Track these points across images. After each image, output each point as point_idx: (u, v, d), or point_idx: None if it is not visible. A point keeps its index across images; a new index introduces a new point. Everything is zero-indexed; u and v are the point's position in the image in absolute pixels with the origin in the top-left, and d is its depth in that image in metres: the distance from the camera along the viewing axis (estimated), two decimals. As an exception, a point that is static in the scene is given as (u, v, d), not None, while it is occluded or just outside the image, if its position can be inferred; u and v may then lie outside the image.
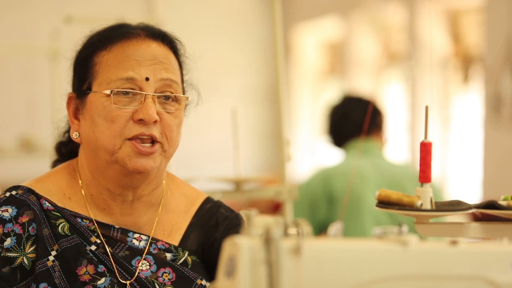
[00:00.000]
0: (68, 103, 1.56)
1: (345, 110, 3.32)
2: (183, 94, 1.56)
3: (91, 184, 1.54)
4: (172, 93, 1.51)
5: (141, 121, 1.46)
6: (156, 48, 1.53)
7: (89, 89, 1.52)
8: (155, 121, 1.47)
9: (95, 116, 1.49)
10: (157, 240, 1.56)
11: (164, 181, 1.61)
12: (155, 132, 1.47)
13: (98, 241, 1.52)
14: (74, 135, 1.54)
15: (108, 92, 1.48)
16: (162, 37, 1.56)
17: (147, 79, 1.49)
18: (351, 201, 3.05)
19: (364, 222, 3.04)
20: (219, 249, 1.45)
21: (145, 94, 1.48)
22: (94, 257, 1.50)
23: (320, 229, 3.10)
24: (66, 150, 1.64)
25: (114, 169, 1.49)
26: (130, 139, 1.46)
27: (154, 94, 1.48)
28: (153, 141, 1.48)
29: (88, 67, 1.53)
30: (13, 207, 1.49)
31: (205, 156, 7.62)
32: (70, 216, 1.52)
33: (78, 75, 1.55)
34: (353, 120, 3.26)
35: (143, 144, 1.47)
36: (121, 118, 1.47)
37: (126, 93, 1.48)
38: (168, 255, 1.55)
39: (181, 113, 1.53)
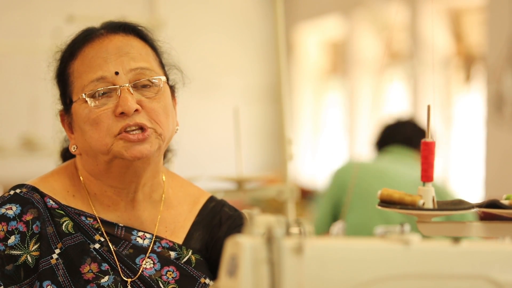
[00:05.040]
0: (62, 121, 1.59)
1: (396, 126, 3.55)
2: (166, 77, 1.56)
3: (93, 185, 1.55)
4: (146, 78, 1.51)
5: (123, 115, 1.47)
6: (119, 41, 1.54)
7: (71, 101, 1.53)
8: (137, 110, 1.47)
9: (81, 124, 1.50)
10: (161, 239, 1.56)
11: (164, 177, 1.61)
12: (141, 120, 1.47)
13: (102, 239, 1.52)
14: (73, 149, 1.55)
15: (83, 96, 1.49)
16: (124, 28, 1.56)
17: (116, 73, 1.49)
18: (362, 194, 3.15)
19: (370, 217, 3.11)
20: (223, 248, 1.45)
21: (119, 87, 1.48)
22: (97, 255, 1.50)
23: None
24: (69, 155, 1.65)
25: (116, 165, 1.49)
26: (118, 134, 1.46)
27: (126, 84, 1.49)
28: (142, 128, 1.47)
29: (65, 81, 1.55)
30: (17, 205, 1.50)
31: (207, 155, 7.62)
32: (74, 214, 1.52)
33: (60, 91, 1.57)
34: (400, 133, 3.45)
35: (133, 132, 1.47)
36: (104, 117, 1.47)
37: (103, 92, 1.49)
38: (172, 254, 1.55)
39: (164, 96, 1.53)
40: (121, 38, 1.54)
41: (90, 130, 1.48)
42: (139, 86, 1.50)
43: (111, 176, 1.52)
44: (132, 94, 1.48)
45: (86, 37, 1.55)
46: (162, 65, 1.59)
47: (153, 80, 1.52)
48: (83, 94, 1.49)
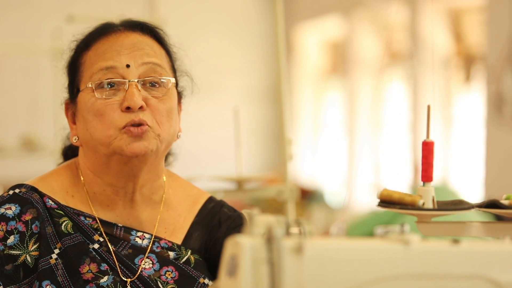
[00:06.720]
0: (66, 110, 1.58)
1: None
2: (175, 82, 1.57)
3: (93, 183, 1.55)
4: (156, 76, 1.51)
5: (129, 109, 1.47)
6: (135, 37, 1.55)
7: (78, 90, 1.53)
8: (142, 107, 1.47)
9: (85, 114, 1.50)
10: (160, 239, 1.56)
11: (165, 178, 1.61)
12: (145, 117, 1.47)
13: (101, 239, 1.52)
14: (74, 139, 1.55)
15: (90, 85, 1.49)
16: (141, 27, 1.57)
17: (127, 66, 1.49)
18: None
19: None
20: (222, 248, 1.44)
21: (128, 82, 1.48)
22: (97, 256, 1.50)
23: None
24: (71, 152, 1.65)
25: (114, 160, 1.49)
26: (124, 127, 1.47)
27: (135, 80, 1.49)
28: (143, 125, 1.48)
29: (76, 70, 1.55)
30: (16, 205, 1.50)
31: (207, 155, 7.62)
32: (73, 215, 1.52)
33: (69, 80, 1.57)
34: None
35: (135, 127, 1.47)
36: (109, 109, 1.47)
37: (111, 85, 1.49)
38: (171, 254, 1.55)
39: (170, 99, 1.53)
40: (137, 35, 1.55)
41: (93, 120, 1.48)
42: (148, 84, 1.50)
43: (110, 173, 1.52)
44: (139, 90, 1.48)
45: (103, 30, 1.55)
46: (174, 70, 1.59)
47: (162, 80, 1.52)
48: (90, 83, 1.49)
